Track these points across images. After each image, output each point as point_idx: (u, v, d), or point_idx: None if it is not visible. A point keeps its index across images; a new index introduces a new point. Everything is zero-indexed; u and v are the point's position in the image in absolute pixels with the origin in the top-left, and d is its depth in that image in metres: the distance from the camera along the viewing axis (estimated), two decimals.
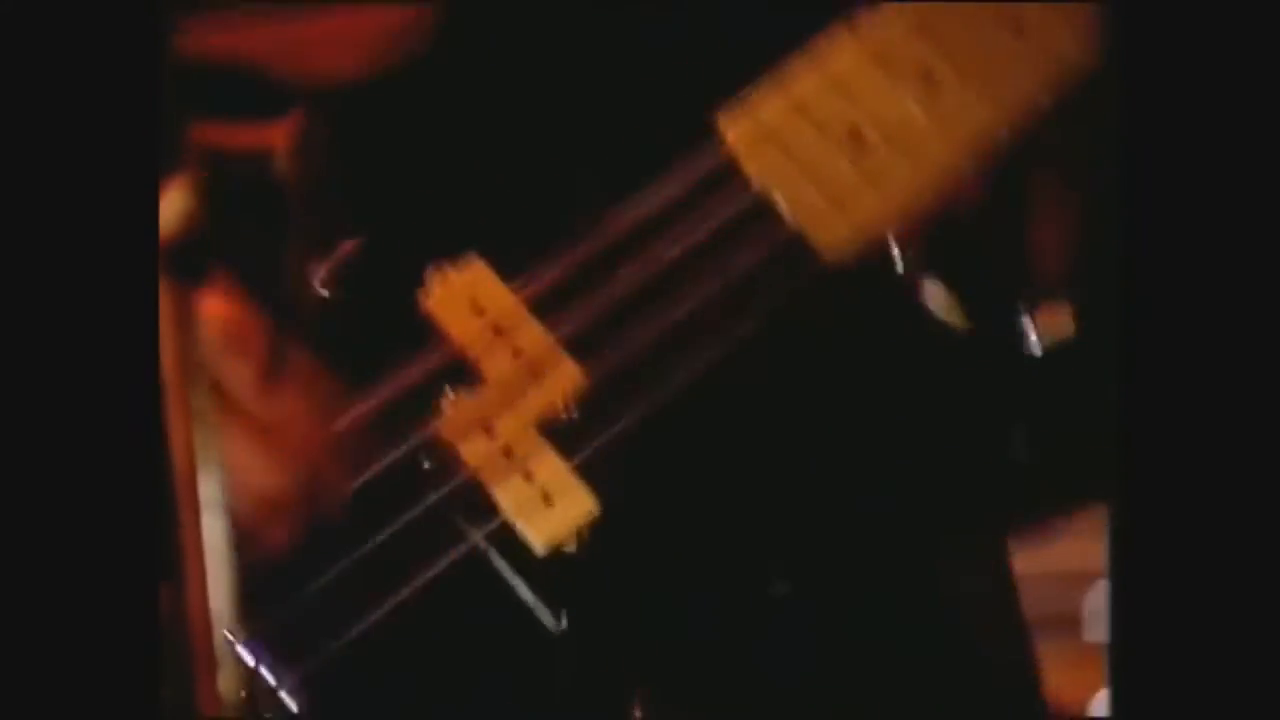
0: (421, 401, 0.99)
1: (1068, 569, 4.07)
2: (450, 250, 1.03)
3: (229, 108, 1.22)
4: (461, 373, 0.99)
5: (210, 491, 0.85)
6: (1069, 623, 3.88)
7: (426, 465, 1.00)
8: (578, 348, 0.99)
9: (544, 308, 0.99)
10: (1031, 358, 1.20)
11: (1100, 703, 3.69)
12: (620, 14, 1.15)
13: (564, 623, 1.04)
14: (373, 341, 1.06)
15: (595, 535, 1.01)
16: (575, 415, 1.00)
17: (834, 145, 1.05)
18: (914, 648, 1.23)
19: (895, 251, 1.06)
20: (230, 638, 0.88)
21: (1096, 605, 4.04)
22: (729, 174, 1.03)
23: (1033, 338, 1.20)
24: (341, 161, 1.16)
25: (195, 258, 0.92)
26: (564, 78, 1.17)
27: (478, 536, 0.99)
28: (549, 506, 0.98)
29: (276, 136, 1.21)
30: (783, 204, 1.03)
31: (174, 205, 0.98)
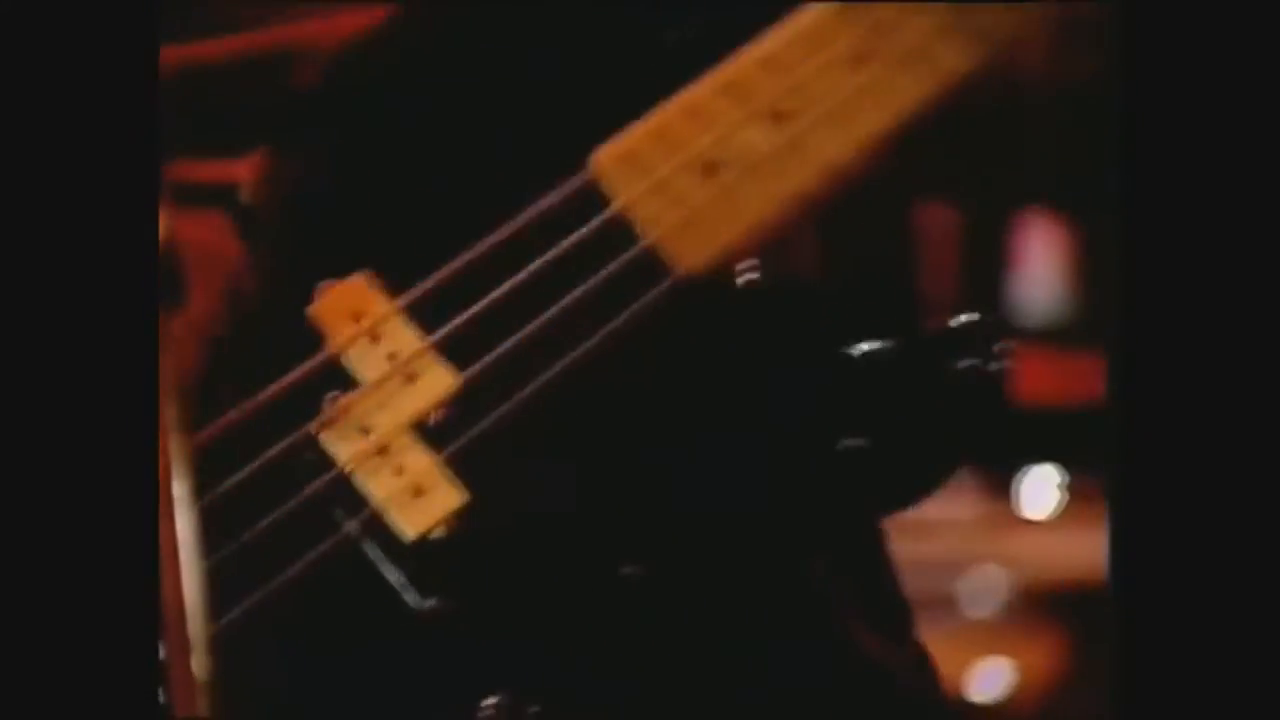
0: (306, 401, 1.07)
1: (947, 557, 4.33)
2: (361, 266, 1.10)
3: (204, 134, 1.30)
4: (344, 375, 1.06)
5: (181, 490, 0.89)
6: (947, 603, 4.13)
7: (307, 459, 1.06)
8: (450, 352, 1.06)
9: (420, 315, 1.06)
10: (870, 358, 1.24)
11: (978, 675, 3.94)
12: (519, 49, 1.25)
13: (429, 604, 1.10)
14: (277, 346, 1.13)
15: (462, 524, 1.09)
16: (446, 414, 1.07)
17: (689, 169, 1.13)
18: (774, 632, 1.29)
19: (741, 267, 1.14)
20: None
21: (972, 588, 4.29)
22: (594, 194, 1.10)
23: (865, 346, 1.22)
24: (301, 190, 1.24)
25: (172, 285, 0.97)
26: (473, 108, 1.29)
27: (351, 525, 1.05)
28: (418, 498, 1.06)
29: (242, 171, 1.26)
30: (639, 222, 1.10)
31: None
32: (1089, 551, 4.34)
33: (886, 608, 1.45)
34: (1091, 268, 4.04)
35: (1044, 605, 5.02)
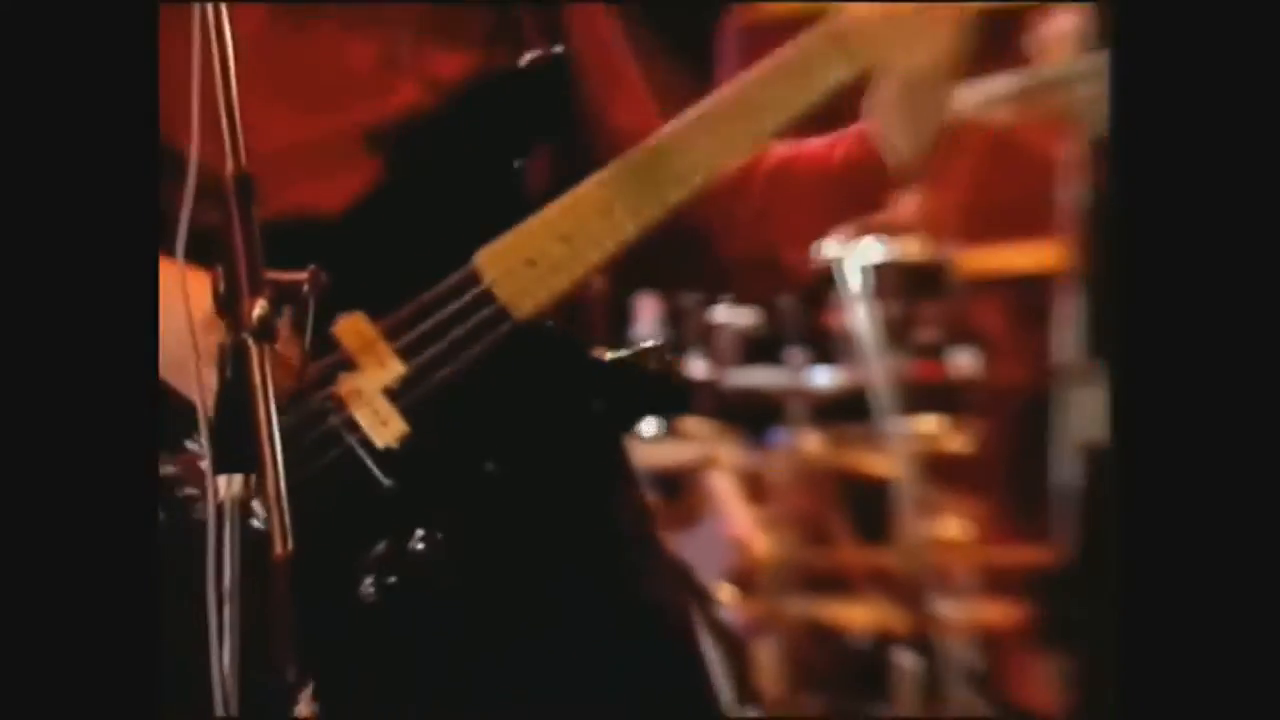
0: (329, 377, 1.79)
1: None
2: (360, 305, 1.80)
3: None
4: (348, 365, 1.79)
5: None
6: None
7: (330, 407, 1.80)
8: (401, 355, 1.80)
9: (389, 334, 1.80)
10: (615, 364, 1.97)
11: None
12: None
13: (389, 482, 1.81)
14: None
15: (403, 444, 1.81)
16: (398, 387, 1.80)
17: (522, 263, 1.87)
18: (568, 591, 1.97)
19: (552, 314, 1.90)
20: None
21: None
22: (473, 274, 1.84)
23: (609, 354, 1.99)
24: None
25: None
26: None
27: (351, 440, 1.79)
28: (384, 427, 1.79)
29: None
30: (495, 291, 1.85)
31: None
32: None
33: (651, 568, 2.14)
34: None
35: None
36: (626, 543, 2.17)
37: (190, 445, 1.79)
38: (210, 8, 1.44)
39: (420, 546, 1.88)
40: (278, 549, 1.31)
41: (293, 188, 1.90)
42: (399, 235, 1.97)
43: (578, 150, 2.05)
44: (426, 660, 1.93)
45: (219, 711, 1.39)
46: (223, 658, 1.35)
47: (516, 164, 2.01)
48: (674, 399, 2.21)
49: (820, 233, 2.32)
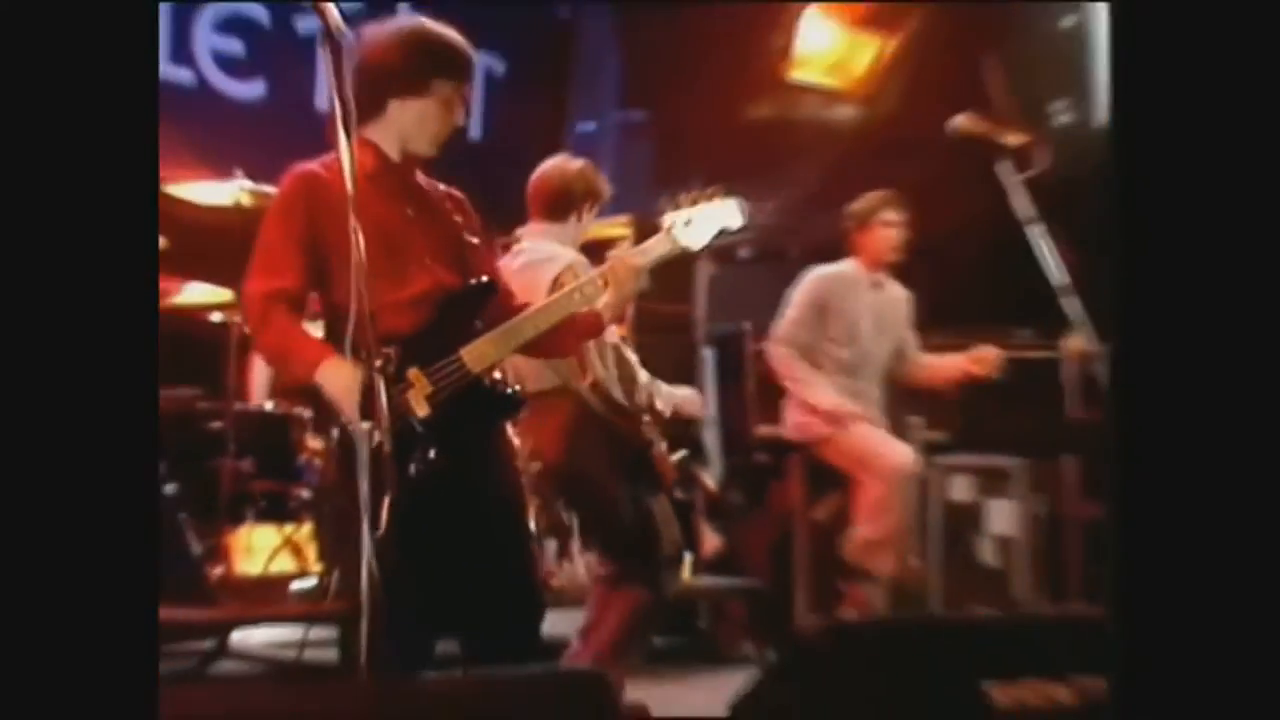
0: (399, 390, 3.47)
1: None
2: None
3: None
4: (411, 384, 3.53)
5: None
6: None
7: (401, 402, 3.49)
8: (431, 380, 3.59)
9: (429, 375, 3.58)
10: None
11: None
12: None
13: (421, 429, 3.52)
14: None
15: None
16: (428, 395, 3.58)
17: (482, 345, 3.70)
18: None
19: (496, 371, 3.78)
20: None
21: None
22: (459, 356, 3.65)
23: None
24: None
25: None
26: None
27: (415, 420, 3.53)
28: (419, 409, 3.55)
29: None
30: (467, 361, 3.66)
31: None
32: None
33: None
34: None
35: None
36: (499, 478, 3.96)
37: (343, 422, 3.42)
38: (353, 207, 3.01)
39: (431, 455, 3.56)
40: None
41: (390, 316, 3.50)
42: (436, 345, 3.67)
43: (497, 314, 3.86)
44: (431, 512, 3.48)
45: (364, 587, 2.87)
46: (367, 541, 2.89)
47: (480, 322, 3.70)
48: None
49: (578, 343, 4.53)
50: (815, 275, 6.59)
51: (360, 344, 3.11)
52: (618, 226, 7.39)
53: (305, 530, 6.32)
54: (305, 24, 7.97)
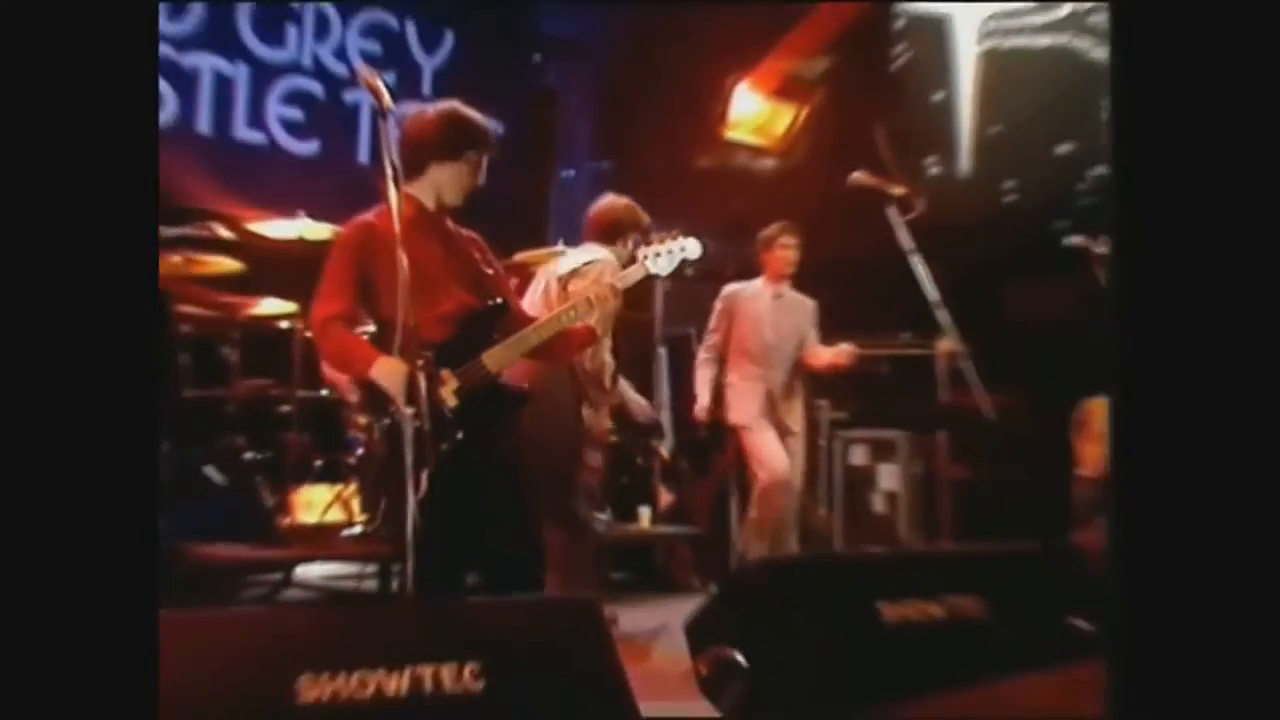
0: (434, 386, 3.62)
1: None
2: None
3: None
4: (442, 382, 3.64)
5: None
6: None
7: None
8: (458, 379, 3.69)
9: (457, 374, 3.68)
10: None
11: None
12: None
13: (459, 435, 3.62)
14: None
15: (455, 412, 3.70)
16: (454, 389, 3.70)
17: (500, 350, 3.83)
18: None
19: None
20: None
21: None
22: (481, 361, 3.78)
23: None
24: None
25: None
26: None
27: (446, 409, 3.64)
28: (448, 399, 3.66)
29: None
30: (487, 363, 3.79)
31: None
32: None
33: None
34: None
35: None
36: (508, 454, 3.98)
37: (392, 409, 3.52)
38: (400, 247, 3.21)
39: (459, 436, 3.62)
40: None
41: (427, 329, 3.62)
42: (462, 351, 3.78)
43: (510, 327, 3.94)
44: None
45: (409, 535, 3.02)
46: (411, 499, 3.12)
47: (495, 333, 3.80)
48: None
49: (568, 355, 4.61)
50: (725, 291, 6.70)
51: (406, 350, 3.37)
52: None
53: (351, 489, 6.29)
54: (350, 96, 8.04)
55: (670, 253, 4.06)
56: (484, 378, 3.82)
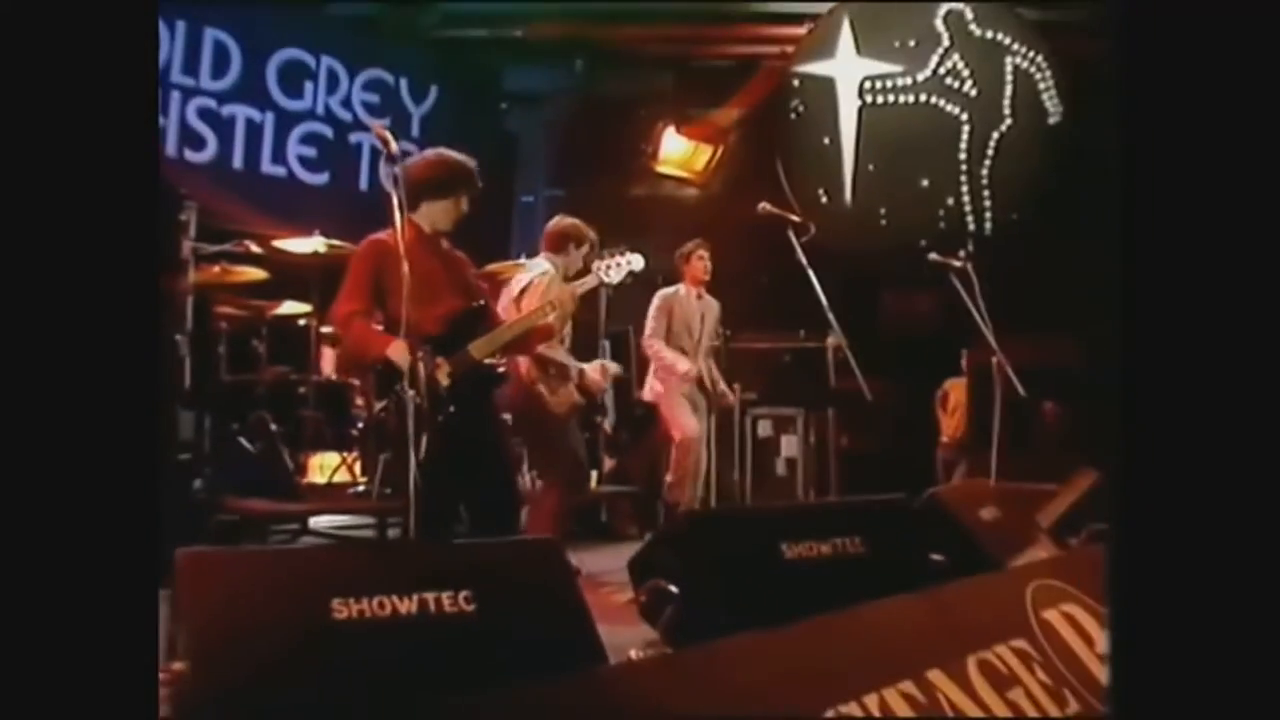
0: (431, 369, 3.72)
1: None
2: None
3: None
4: (439, 369, 3.71)
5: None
6: None
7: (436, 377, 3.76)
8: (451, 364, 3.76)
9: (449, 362, 3.75)
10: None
11: None
12: None
13: (451, 409, 3.73)
14: None
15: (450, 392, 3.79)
16: (449, 372, 3.77)
17: (485, 341, 3.89)
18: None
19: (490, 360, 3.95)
20: None
21: None
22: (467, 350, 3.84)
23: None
24: None
25: None
26: None
27: (441, 389, 3.73)
28: (442, 380, 3.73)
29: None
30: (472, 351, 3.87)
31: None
32: None
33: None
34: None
35: None
36: (495, 426, 4.12)
37: (397, 389, 3.60)
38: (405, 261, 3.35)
39: (450, 410, 3.69)
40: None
41: (426, 325, 3.74)
42: (453, 342, 3.82)
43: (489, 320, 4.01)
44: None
45: (410, 492, 3.20)
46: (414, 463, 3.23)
47: (479, 330, 3.87)
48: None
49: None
50: (661, 293, 6.66)
51: (408, 340, 3.58)
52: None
53: (354, 456, 6.40)
54: (354, 137, 8.08)
55: (619, 266, 4.19)
56: (470, 364, 3.91)
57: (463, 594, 2.29)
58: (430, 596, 2.27)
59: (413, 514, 3.14)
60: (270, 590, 2.17)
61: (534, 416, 5.18)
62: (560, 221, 5.66)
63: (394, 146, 3.49)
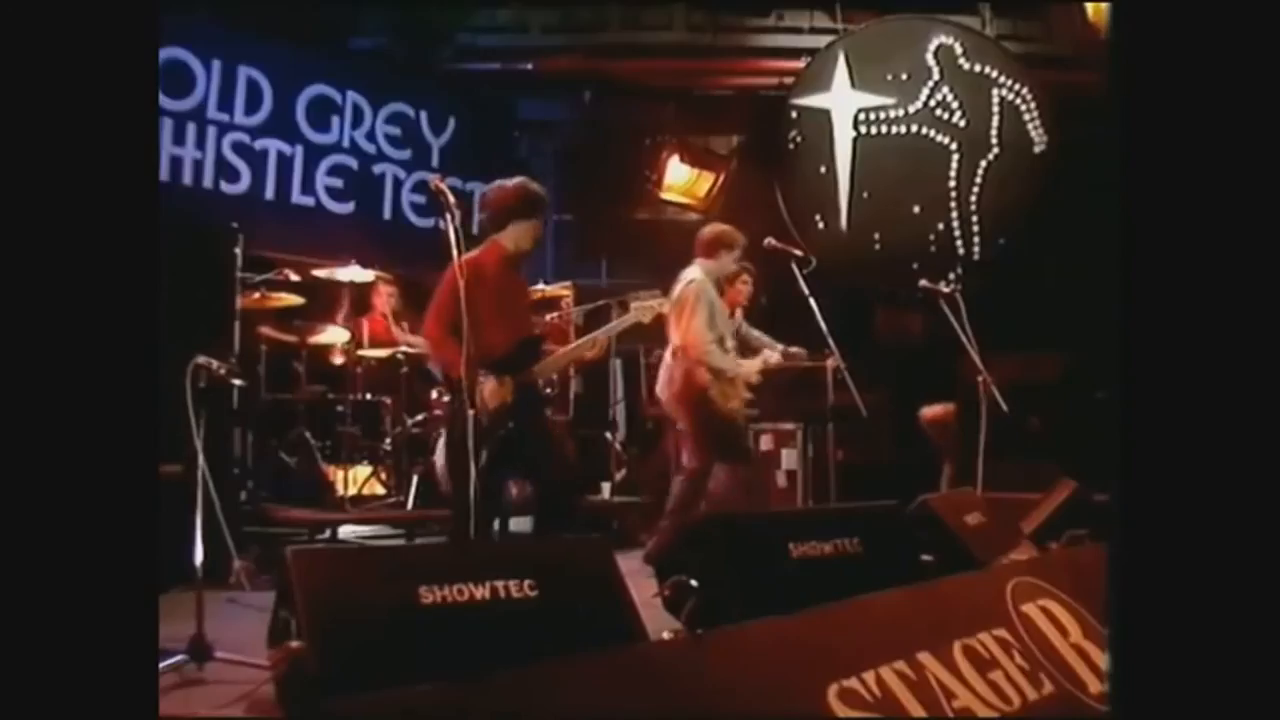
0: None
1: None
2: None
3: None
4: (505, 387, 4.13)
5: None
6: None
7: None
8: (515, 386, 4.21)
9: (513, 380, 4.19)
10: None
11: None
12: None
13: (510, 425, 4.16)
14: None
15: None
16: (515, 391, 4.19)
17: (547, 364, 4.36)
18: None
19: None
20: None
21: None
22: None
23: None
24: None
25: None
26: None
27: (506, 401, 4.17)
28: (499, 399, 4.16)
29: None
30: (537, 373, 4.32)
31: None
32: None
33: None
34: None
35: None
36: (545, 437, 4.49)
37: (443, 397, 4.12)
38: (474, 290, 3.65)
39: (510, 425, 4.06)
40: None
41: (496, 349, 4.12)
42: (516, 363, 4.18)
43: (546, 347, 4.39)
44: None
45: (471, 497, 3.50)
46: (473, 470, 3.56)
47: (538, 354, 4.26)
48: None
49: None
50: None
51: (469, 363, 3.79)
52: (562, 289, 7.77)
53: (385, 470, 6.74)
54: (377, 168, 8.32)
55: (651, 307, 4.57)
56: (531, 382, 4.36)
57: (526, 583, 2.67)
58: (500, 584, 2.65)
59: (472, 518, 3.49)
60: (367, 579, 2.58)
61: (705, 413, 5.52)
62: (713, 228, 5.94)
63: (451, 199, 3.72)
